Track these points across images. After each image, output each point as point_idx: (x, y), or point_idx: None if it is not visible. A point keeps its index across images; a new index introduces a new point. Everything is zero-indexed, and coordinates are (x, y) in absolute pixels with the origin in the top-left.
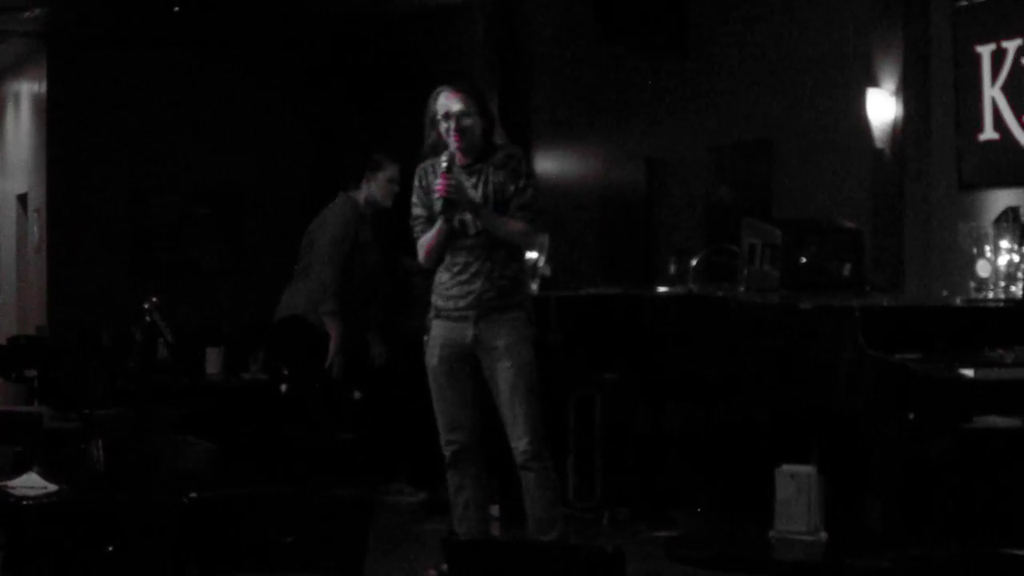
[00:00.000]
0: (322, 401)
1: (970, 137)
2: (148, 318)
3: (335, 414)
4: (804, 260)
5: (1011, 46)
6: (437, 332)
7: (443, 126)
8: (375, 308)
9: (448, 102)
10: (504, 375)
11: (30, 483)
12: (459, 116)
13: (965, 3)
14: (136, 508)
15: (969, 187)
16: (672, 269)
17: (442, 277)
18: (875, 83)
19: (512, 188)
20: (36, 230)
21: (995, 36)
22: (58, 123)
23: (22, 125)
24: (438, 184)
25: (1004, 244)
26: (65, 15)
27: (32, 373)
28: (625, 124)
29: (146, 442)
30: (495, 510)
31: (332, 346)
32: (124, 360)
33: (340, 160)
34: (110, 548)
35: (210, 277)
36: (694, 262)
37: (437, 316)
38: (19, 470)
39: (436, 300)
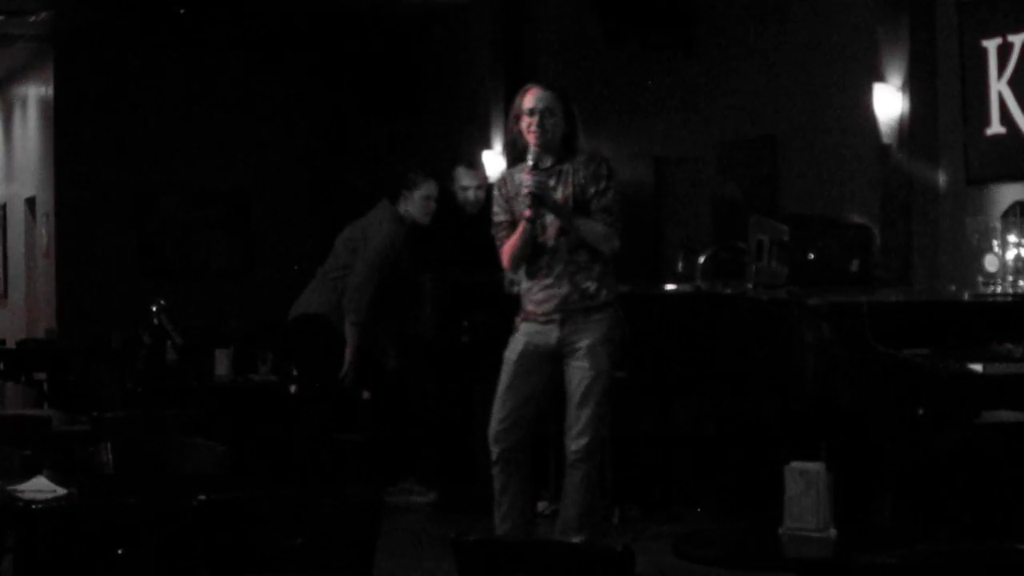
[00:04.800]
0: (331, 400)
1: (977, 131)
2: (157, 320)
3: (344, 414)
4: (812, 256)
5: (1017, 40)
6: (524, 331)
7: (524, 122)
8: (389, 312)
9: (535, 98)
10: (579, 375)
11: (39, 487)
12: (543, 113)
13: None
14: (146, 511)
15: (976, 181)
16: (680, 266)
17: (527, 284)
18: (881, 78)
19: (593, 190)
20: (45, 233)
21: (1001, 30)
22: (65, 126)
23: (30, 129)
24: (526, 181)
25: (1012, 238)
26: (71, 18)
27: (41, 376)
28: (632, 122)
29: (155, 444)
30: (544, 507)
31: (348, 355)
32: (133, 362)
33: (358, 167)
34: (120, 551)
35: (218, 279)
36: (702, 259)
37: (525, 320)
38: (28, 473)
39: (526, 305)
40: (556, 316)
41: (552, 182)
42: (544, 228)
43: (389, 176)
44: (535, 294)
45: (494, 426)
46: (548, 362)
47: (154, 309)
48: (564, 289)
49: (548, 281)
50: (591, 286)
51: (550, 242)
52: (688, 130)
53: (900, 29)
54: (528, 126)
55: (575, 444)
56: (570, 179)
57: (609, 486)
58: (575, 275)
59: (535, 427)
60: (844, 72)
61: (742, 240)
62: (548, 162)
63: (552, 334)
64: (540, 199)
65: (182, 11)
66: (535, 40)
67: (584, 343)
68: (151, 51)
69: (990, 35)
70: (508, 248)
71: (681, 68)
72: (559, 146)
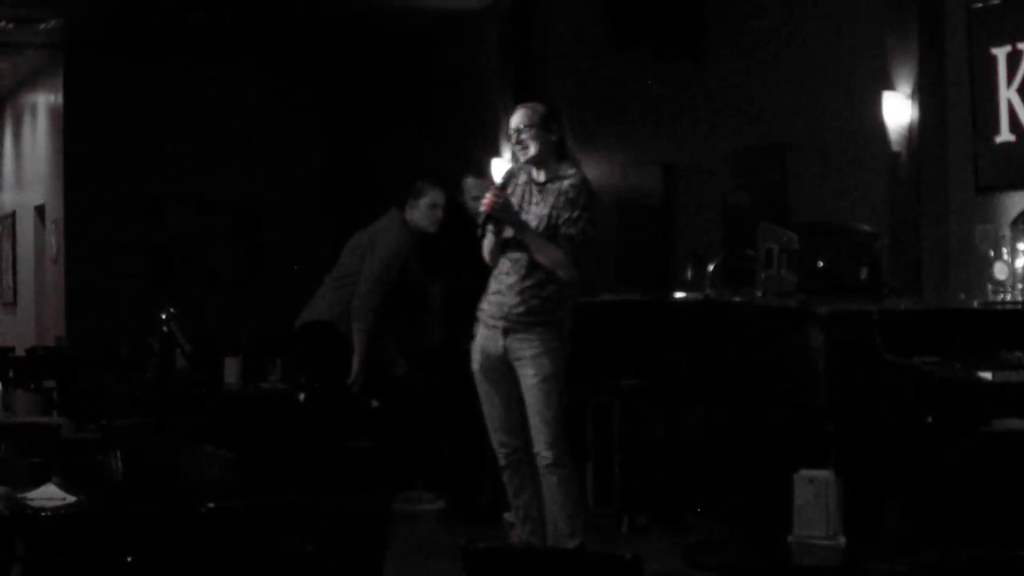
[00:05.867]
0: (339, 408)
1: (986, 139)
2: (166, 328)
3: (352, 422)
4: (821, 264)
5: None
6: (477, 339)
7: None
8: (397, 320)
9: (514, 117)
10: (529, 383)
11: (48, 494)
12: (518, 131)
13: (980, 5)
14: (155, 518)
15: (986, 189)
16: (689, 274)
17: (489, 283)
18: (891, 86)
19: (566, 216)
20: (54, 241)
21: (1010, 38)
22: (75, 134)
23: (39, 136)
24: (485, 198)
25: (1021, 246)
26: (81, 26)
27: (50, 384)
28: (641, 130)
29: (164, 452)
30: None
31: (356, 362)
32: (142, 370)
33: (366, 175)
34: (129, 559)
35: (227, 286)
36: (711, 267)
37: (478, 321)
38: (37, 481)
39: (480, 303)
40: (500, 323)
41: (538, 196)
42: (515, 238)
43: (398, 184)
44: (490, 295)
45: (492, 436)
46: (506, 367)
47: (163, 317)
48: (512, 299)
49: (502, 287)
50: (537, 304)
51: (516, 254)
52: (697, 138)
53: (909, 37)
54: (513, 145)
55: (544, 451)
56: (551, 199)
57: (617, 495)
58: (526, 290)
59: (528, 428)
60: (854, 80)
61: (751, 248)
62: (542, 177)
63: (498, 341)
64: (496, 219)
65: (192, 19)
66: (544, 47)
67: (527, 353)
68: (160, 59)
69: (999, 43)
70: (484, 248)
71: (691, 75)
72: (551, 159)
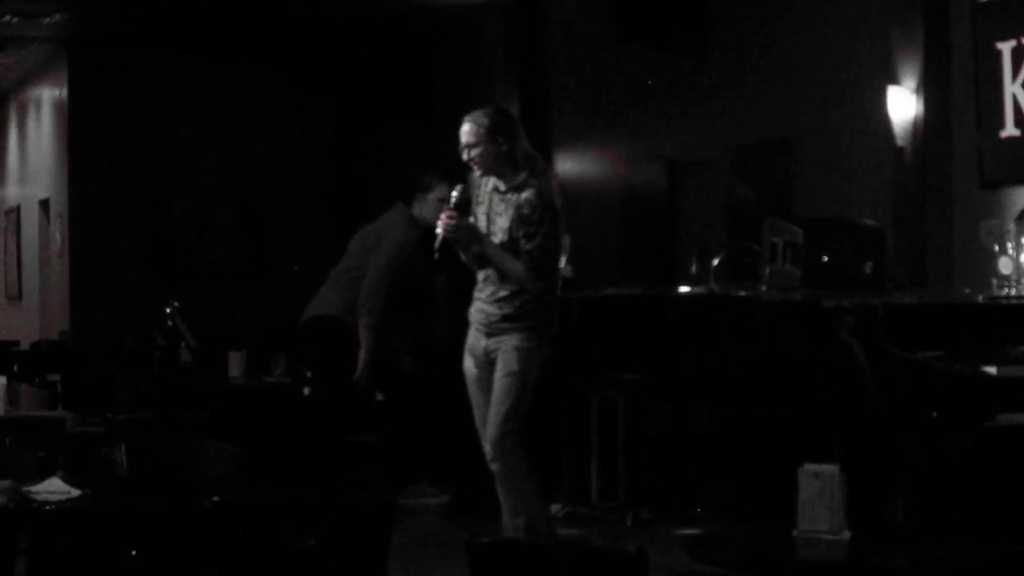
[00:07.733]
0: (344, 402)
1: (991, 134)
2: (170, 322)
3: (357, 416)
4: (826, 259)
5: None
6: (468, 341)
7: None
8: (402, 314)
9: (461, 133)
10: (496, 376)
11: (53, 488)
12: (467, 148)
13: (985, 0)
14: (159, 512)
15: (991, 184)
16: (693, 269)
17: (474, 292)
18: (895, 81)
19: (522, 232)
20: (58, 235)
21: (1015, 33)
22: (79, 128)
23: (44, 131)
24: (440, 221)
25: None
26: (85, 20)
27: (55, 378)
28: (645, 125)
29: (169, 446)
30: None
31: (362, 357)
32: (147, 364)
33: (371, 169)
34: (133, 552)
35: (231, 281)
36: (715, 262)
37: (468, 325)
38: (42, 475)
39: (469, 308)
40: (482, 328)
41: (502, 206)
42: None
43: (403, 178)
44: (474, 303)
45: (482, 438)
46: (490, 366)
47: (167, 311)
48: (491, 308)
49: (483, 296)
50: (512, 311)
51: (487, 263)
52: (702, 132)
53: (914, 32)
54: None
55: (487, 444)
56: (511, 212)
57: (622, 489)
58: (502, 300)
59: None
60: (858, 75)
61: (756, 242)
62: (503, 187)
63: (481, 342)
64: (453, 241)
65: (196, 14)
66: (548, 42)
67: (500, 349)
68: (165, 53)
69: (1004, 37)
70: (462, 256)
71: (695, 70)
72: (506, 168)
